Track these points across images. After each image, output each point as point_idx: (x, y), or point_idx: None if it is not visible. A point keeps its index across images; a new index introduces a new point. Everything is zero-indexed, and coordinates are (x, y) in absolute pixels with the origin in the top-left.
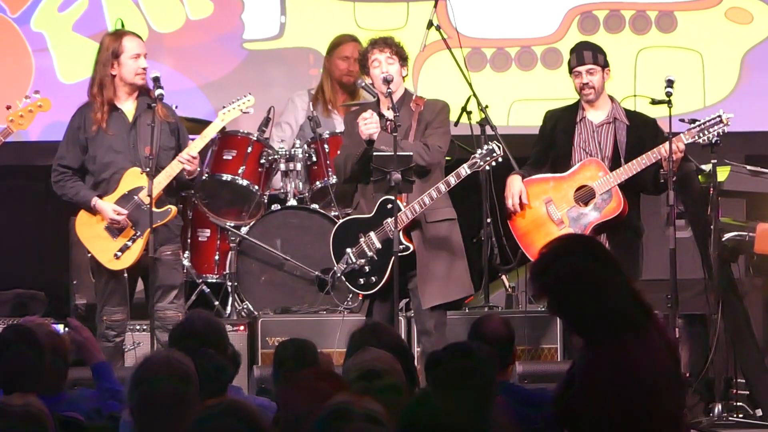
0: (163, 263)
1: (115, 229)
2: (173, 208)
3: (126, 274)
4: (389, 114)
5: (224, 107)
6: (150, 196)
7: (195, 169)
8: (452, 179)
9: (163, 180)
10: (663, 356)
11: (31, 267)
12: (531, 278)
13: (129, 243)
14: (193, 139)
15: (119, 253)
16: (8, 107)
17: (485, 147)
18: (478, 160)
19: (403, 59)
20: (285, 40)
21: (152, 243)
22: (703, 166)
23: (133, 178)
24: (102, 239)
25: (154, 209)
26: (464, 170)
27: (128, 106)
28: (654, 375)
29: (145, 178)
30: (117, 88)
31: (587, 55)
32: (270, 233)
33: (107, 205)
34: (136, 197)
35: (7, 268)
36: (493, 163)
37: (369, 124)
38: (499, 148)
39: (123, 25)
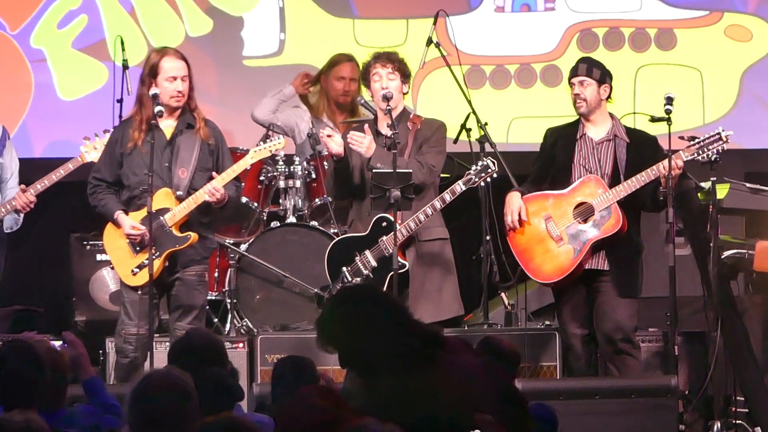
0: (185, 283)
1: (136, 246)
2: (193, 235)
3: (140, 292)
4: (387, 131)
5: (257, 145)
6: (150, 212)
7: (222, 200)
8: (447, 196)
9: (187, 206)
10: (452, 386)
11: (31, 283)
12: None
13: (146, 261)
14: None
15: (137, 270)
16: (86, 138)
17: (480, 163)
18: (473, 176)
19: (405, 76)
20: (284, 57)
21: (150, 264)
22: (703, 184)
23: (162, 199)
24: (124, 253)
25: (176, 233)
26: (459, 186)
27: (168, 123)
28: (433, 405)
29: (175, 200)
30: (155, 107)
31: (581, 67)
32: (269, 250)
33: (126, 220)
34: (161, 218)
35: (8, 285)
36: (488, 179)
37: (355, 142)
38: (493, 163)
39: (123, 43)
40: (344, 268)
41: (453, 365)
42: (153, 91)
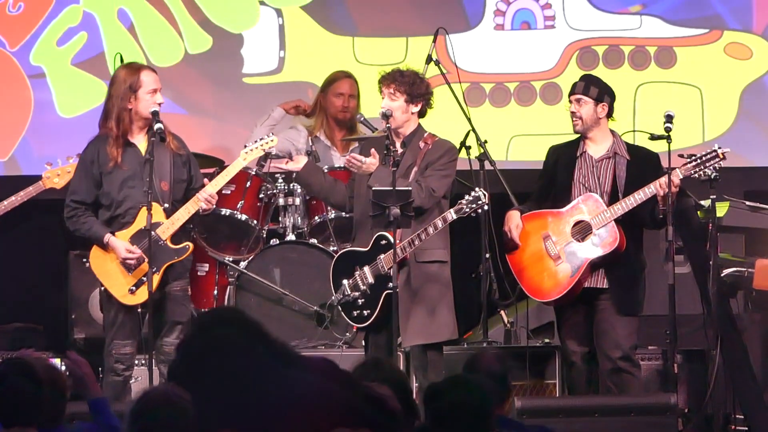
0: (172, 298)
1: (131, 265)
2: (190, 245)
3: (139, 309)
4: (399, 149)
5: (246, 146)
6: (149, 228)
7: (212, 207)
8: (439, 223)
9: (182, 216)
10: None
11: (30, 301)
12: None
13: (144, 279)
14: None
15: (134, 288)
16: (49, 164)
17: (472, 194)
18: (464, 207)
19: (411, 96)
20: (284, 74)
21: (150, 279)
22: (702, 202)
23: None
24: (117, 274)
25: (171, 245)
26: (450, 215)
27: (140, 140)
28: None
29: (163, 213)
30: (132, 122)
31: (579, 85)
32: (269, 268)
33: (120, 243)
34: (153, 233)
35: (6, 302)
36: (479, 211)
37: (352, 165)
38: (485, 195)
39: (122, 60)
40: (344, 281)
41: (303, 384)
42: (153, 108)
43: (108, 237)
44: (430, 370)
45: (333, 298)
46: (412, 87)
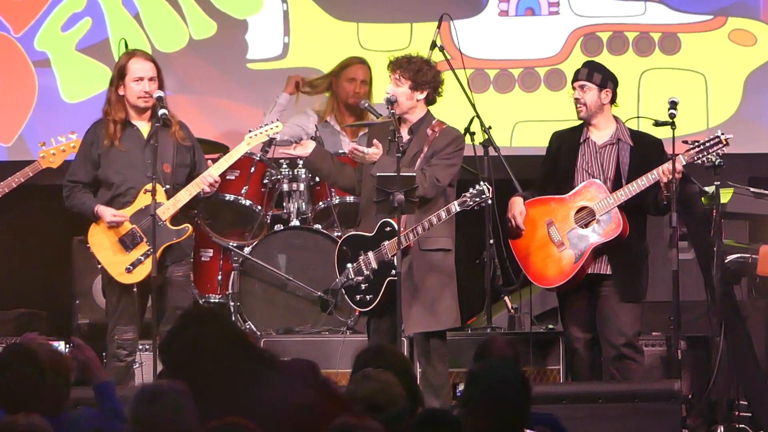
0: (173, 284)
1: (128, 243)
2: (189, 227)
3: (135, 290)
4: (405, 135)
5: (251, 131)
6: (153, 215)
7: (213, 190)
8: (443, 214)
9: (183, 198)
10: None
11: (34, 286)
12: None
13: (142, 258)
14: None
15: (131, 267)
16: (42, 144)
17: (477, 187)
18: (468, 199)
19: (416, 83)
20: (289, 60)
21: (154, 263)
22: (706, 188)
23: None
24: (115, 252)
25: (170, 226)
26: (454, 207)
27: (142, 124)
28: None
29: (164, 194)
30: (127, 108)
31: (582, 72)
32: (273, 253)
33: (106, 210)
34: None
35: (11, 288)
36: (482, 205)
37: (355, 156)
38: (488, 189)
39: (127, 45)
40: (348, 265)
41: (280, 388)
42: (158, 93)
43: (97, 207)
44: (433, 357)
45: (336, 281)
46: (417, 74)
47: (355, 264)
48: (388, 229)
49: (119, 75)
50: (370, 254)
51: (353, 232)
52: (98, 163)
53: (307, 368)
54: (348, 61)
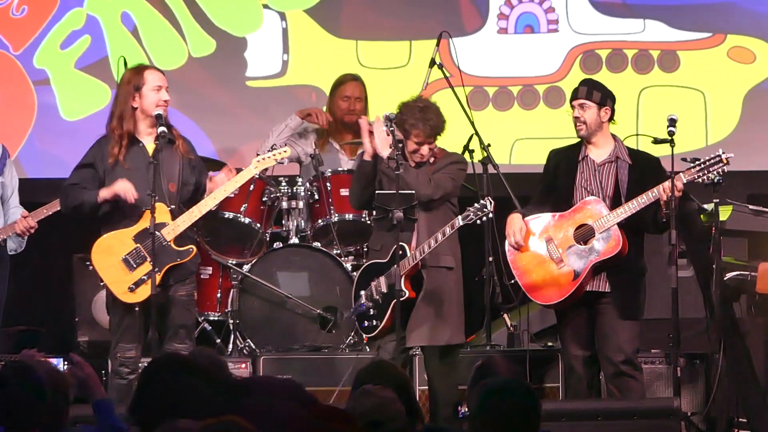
0: (177, 303)
1: (132, 262)
2: (194, 248)
3: (137, 309)
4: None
5: (258, 155)
6: (152, 233)
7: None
8: (447, 229)
9: (188, 220)
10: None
11: (34, 304)
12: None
13: (145, 278)
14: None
15: (134, 287)
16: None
17: (480, 201)
18: (471, 214)
19: (435, 138)
20: (288, 78)
21: (153, 281)
22: (705, 206)
23: (157, 213)
24: (118, 270)
25: (174, 247)
26: (458, 221)
27: (149, 140)
28: None
29: (168, 214)
30: (138, 121)
31: (581, 90)
32: (272, 271)
33: (112, 185)
34: (158, 233)
35: (11, 305)
36: (485, 219)
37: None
38: (491, 204)
39: (126, 63)
40: (362, 292)
41: (255, 412)
42: (158, 110)
43: (100, 192)
44: (443, 375)
45: (351, 309)
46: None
47: (367, 290)
48: (401, 252)
49: (135, 88)
50: (381, 279)
51: (373, 261)
52: (103, 180)
53: (284, 385)
54: (342, 79)
